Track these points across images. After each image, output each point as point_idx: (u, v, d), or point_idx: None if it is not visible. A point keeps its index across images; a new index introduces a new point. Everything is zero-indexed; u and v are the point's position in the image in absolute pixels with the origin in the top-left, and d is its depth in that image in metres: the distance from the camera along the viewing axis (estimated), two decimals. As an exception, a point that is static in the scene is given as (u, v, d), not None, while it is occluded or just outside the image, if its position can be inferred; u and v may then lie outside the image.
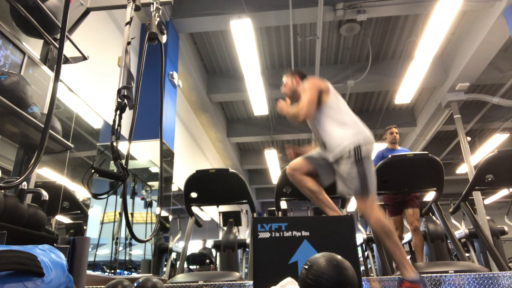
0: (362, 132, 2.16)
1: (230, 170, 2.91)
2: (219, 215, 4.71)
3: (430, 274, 2.03)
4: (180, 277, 2.68)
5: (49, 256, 1.10)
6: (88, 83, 3.68)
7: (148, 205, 4.30)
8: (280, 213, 3.19)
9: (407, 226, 3.78)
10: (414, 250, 3.73)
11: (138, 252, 4.31)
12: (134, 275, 3.97)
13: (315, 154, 2.34)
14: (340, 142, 2.13)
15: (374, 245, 4.43)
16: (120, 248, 3.77)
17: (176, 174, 5.30)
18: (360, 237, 4.68)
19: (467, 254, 3.69)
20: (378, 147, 4.17)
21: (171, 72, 5.16)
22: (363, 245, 4.63)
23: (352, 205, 12.47)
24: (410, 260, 3.62)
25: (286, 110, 2.32)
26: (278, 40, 6.54)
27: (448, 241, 3.90)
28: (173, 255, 4.64)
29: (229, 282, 2.20)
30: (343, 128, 2.16)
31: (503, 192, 11.26)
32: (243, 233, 4.91)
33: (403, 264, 1.95)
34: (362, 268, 5.21)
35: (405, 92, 6.84)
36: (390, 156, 2.76)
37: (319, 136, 2.29)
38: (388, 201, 3.83)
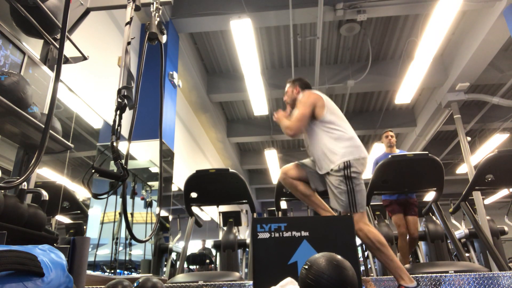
0: (355, 148, 2.15)
1: (230, 170, 2.92)
2: (219, 215, 4.71)
3: (430, 274, 2.03)
4: (180, 277, 2.68)
5: (49, 256, 1.10)
6: (88, 83, 3.67)
7: (148, 205, 4.30)
8: (280, 213, 3.19)
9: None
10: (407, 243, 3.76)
11: (138, 252, 4.31)
12: (134, 275, 3.97)
13: (308, 162, 2.36)
14: (329, 158, 2.14)
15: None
16: (120, 248, 3.77)
17: (176, 174, 5.30)
18: (360, 237, 4.68)
19: (467, 254, 3.68)
20: (377, 148, 4.17)
21: (171, 72, 5.16)
22: (363, 245, 4.63)
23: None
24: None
25: (282, 122, 2.33)
26: (278, 40, 6.54)
27: (448, 241, 3.91)
28: (173, 255, 4.64)
29: (229, 282, 2.20)
30: (334, 145, 2.16)
31: (503, 192, 11.25)
32: (243, 233, 4.91)
33: (399, 275, 1.95)
34: (362, 268, 5.20)
35: (405, 92, 6.83)
36: (390, 156, 2.76)
37: (310, 149, 2.33)
38: (388, 205, 3.86)
